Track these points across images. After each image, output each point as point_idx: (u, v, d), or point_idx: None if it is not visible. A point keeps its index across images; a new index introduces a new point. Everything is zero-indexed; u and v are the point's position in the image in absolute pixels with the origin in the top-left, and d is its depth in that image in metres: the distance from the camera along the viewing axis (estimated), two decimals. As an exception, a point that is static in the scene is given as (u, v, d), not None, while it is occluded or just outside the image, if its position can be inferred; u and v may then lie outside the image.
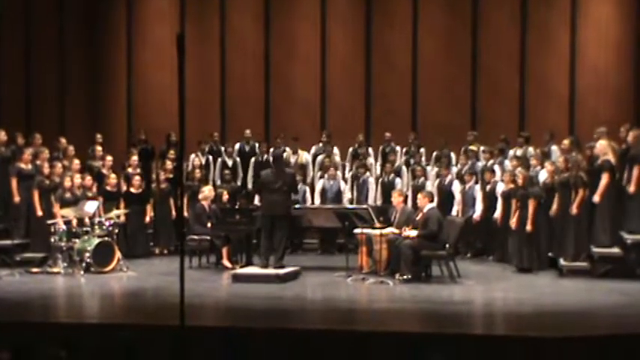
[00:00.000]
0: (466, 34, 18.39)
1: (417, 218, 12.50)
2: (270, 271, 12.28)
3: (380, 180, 16.01)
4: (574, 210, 12.59)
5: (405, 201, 13.64)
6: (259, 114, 19.07)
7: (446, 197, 15.00)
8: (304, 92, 18.91)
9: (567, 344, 8.01)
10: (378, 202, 15.53)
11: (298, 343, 8.23)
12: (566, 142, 14.48)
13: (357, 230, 12.88)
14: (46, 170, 14.28)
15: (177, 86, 4.92)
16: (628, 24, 17.63)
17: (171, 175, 15.82)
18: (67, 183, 14.06)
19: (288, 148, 16.68)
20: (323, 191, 15.86)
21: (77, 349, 7.35)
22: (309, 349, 8.14)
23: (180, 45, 4.83)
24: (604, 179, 12.47)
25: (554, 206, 13.11)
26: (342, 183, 15.96)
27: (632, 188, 12.41)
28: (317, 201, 15.76)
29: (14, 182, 14.37)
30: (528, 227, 13.02)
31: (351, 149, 17.09)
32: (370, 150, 17.25)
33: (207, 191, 14.46)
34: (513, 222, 13.43)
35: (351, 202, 15.51)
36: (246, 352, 8.24)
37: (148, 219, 15.40)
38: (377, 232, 12.47)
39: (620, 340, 8.16)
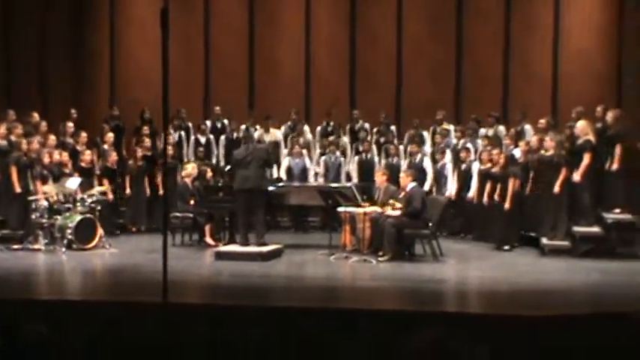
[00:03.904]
0: (451, 13, 18.36)
1: (400, 196, 12.52)
2: (253, 248, 12.29)
3: (356, 158, 15.97)
4: (556, 189, 12.66)
5: (389, 179, 13.60)
6: (243, 91, 19.00)
7: (417, 175, 14.93)
8: (289, 69, 18.84)
9: (548, 323, 8.05)
10: (354, 181, 15.49)
11: (281, 321, 8.23)
12: (542, 121, 14.59)
13: (340, 209, 12.89)
14: (24, 146, 14.14)
15: (160, 62, 4.88)
16: (612, 7, 17.61)
17: (149, 153, 15.77)
18: (46, 159, 13.97)
19: (258, 127, 16.62)
20: (289, 169, 15.85)
21: (59, 325, 7.32)
22: (292, 327, 8.14)
23: (164, 20, 4.80)
24: (586, 159, 12.56)
25: (529, 185, 13.24)
26: (307, 161, 15.94)
27: (615, 166, 12.53)
28: (284, 179, 15.66)
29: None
30: (507, 205, 13.12)
31: (319, 128, 17.05)
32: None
33: (190, 168, 14.44)
34: (487, 200, 13.56)
35: (325, 181, 15.47)
36: (230, 329, 8.23)
37: (127, 192, 15.46)
38: (360, 210, 12.49)
39: (600, 319, 8.20)
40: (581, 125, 12.98)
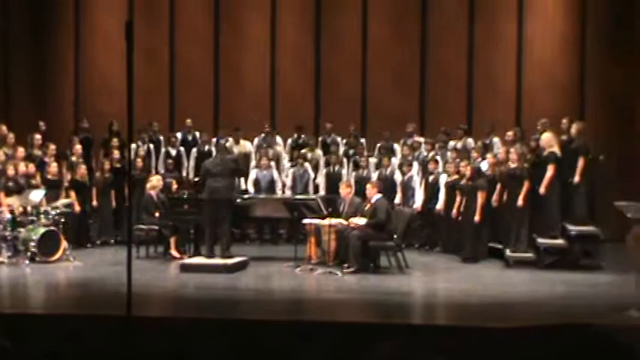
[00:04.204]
0: (416, 20, 18.36)
1: (366, 208, 12.54)
2: (219, 261, 12.25)
3: (325, 171, 15.99)
4: (520, 202, 12.73)
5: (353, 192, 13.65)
6: (208, 102, 18.94)
7: (388, 187, 14.94)
8: (254, 80, 18.81)
9: (513, 334, 8.09)
10: (321, 193, 15.50)
11: (246, 334, 8.21)
12: (509, 133, 14.70)
13: (305, 221, 12.89)
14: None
15: (125, 73, 4.86)
16: (574, 17, 17.75)
17: (118, 165, 15.68)
18: (11, 171, 13.85)
19: (230, 138, 16.57)
20: (256, 181, 15.82)
21: (22, 339, 7.25)
22: (256, 340, 8.12)
23: (128, 33, 4.78)
24: (550, 171, 12.65)
25: (496, 197, 13.31)
26: (275, 173, 15.92)
27: (576, 178, 12.62)
28: (251, 191, 15.62)
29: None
30: (476, 218, 13.17)
31: (290, 140, 17.05)
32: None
33: (155, 181, 14.38)
34: (455, 213, 13.63)
35: (293, 193, 15.47)
36: (194, 342, 8.20)
37: (94, 203, 15.31)
38: (325, 222, 12.49)
39: (565, 330, 8.25)
40: (545, 137, 13.07)
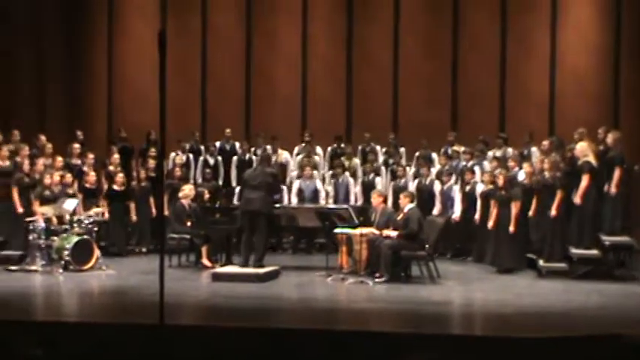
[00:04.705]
0: (447, 34, 18.42)
1: (398, 218, 12.51)
2: (250, 270, 12.26)
3: (360, 180, 16.03)
4: (553, 212, 12.63)
5: (385, 201, 13.63)
6: (240, 111, 19.04)
7: (426, 197, 15.02)
8: (285, 89, 18.88)
9: (546, 345, 8.03)
10: (359, 202, 15.55)
11: (277, 343, 8.21)
12: (545, 142, 14.59)
13: (337, 230, 12.88)
14: (27, 167, 14.19)
15: (157, 83, 4.88)
16: (607, 27, 17.68)
17: (153, 174, 15.79)
18: (47, 180, 14.00)
19: (268, 147, 16.63)
20: (300, 191, 15.85)
21: (54, 347, 7.30)
22: (287, 349, 8.12)
23: (161, 42, 4.79)
24: (585, 181, 12.51)
25: (533, 207, 13.18)
26: (318, 183, 15.95)
27: (613, 189, 12.49)
28: (294, 201, 15.74)
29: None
30: (511, 228, 13.09)
31: (329, 149, 17.08)
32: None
33: (187, 190, 14.42)
34: (491, 223, 13.52)
35: (335, 202, 15.49)
36: (225, 351, 8.21)
37: (134, 217, 15.39)
38: (357, 231, 12.48)
39: (598, 341, 8.18)
40: (580, 147, 12.94)
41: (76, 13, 19.40)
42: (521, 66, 18.06)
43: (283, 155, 16.82)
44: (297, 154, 16.98)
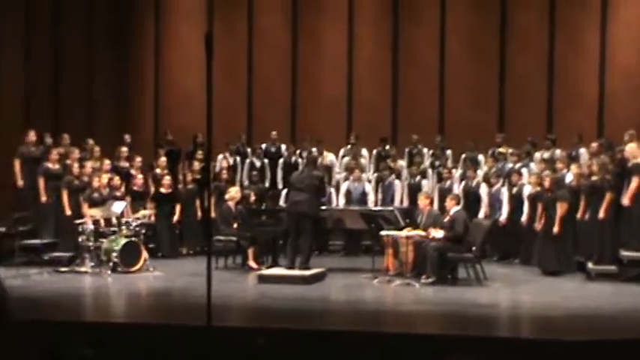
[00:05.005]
0: (493, 34, 18.29)
1: (445, 220, 12.47)
2: (296, 272, 12.30)
3: (407, 182, 16.00)
4: (601, 214, 12.50)
5: (432, 203, 13.59)
6: (285, 114, 19.09)
7: (472, 199, 14.96)
8: (330, 92, 18.89)
9: (593, 348, 7.95)
10: (405, 204, 15.52)
11: (323, 345, 8.22)
12: (594, 144, 14.43)
13: (383, 232, 12.87)
14: (76, 170, 14.39)
15: (204, 86, 4.91)
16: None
17: (198, 176, 15.90)
18: (96, 183, 14.17)
19: (314, 150, 16.67)
20: (348, 193, 15.86)
21: (104, 348, 7.38)
22: (333, 351, 8.12)
23: (208, 45, 4.81)
24: (635, 182, 12.37)
25: (581, 209, 13.05)
26: (367, 185, 15.94)
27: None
28: (342, 202, 15.76)
29: (42, 182, 14.53)
30: (555, 230, 12.98)
31: (375, 151, 17.07)
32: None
33: (233, 192, 14.50)
34: (539, 225, 13.42)
35: (375, 204, 15.49)
36: (271, 353, 8.24)
37: (176, 219, 15.48)
38: (403, 234, 12.45)
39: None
40: (631, 148, 12.79)
41: (124, 18, 19.64)
42: (570, 65, 17.85)
43: (329, 157, 16.85)
44: (343, 157, 16.99)
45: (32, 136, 15.32)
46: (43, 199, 14.54)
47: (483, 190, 15.17)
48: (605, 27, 17.68)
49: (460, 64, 18.38)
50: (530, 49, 18.04)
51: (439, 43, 18.57)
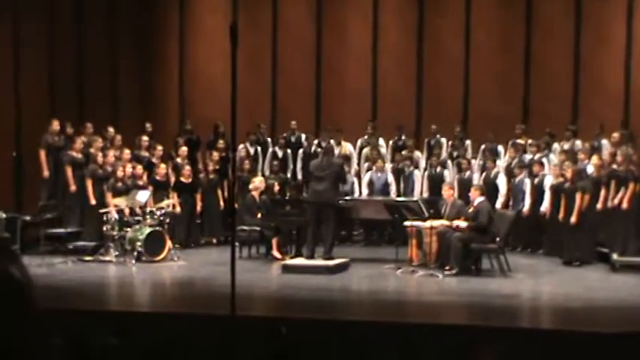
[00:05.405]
0: (519, 26, 18.16)
1: (469, 211, 12.45)
2: (320, 262, 12.33)
3: (427, 173, 15.96)
4: (624, 204, 12.44)
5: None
6: (310, 105, 19.06)
7: (491, 190, 14.87)
8: (355, 83, 18.83)
9: (615, 340, 7.91)
10: (424, 195, 15.48)
11: (346, 335, 8.24)
12: (615, 135, 14.35)
13: (407, 223, 12.86)
14: (100, 159, 14.47)
15: (228, 76, 4.91)
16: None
17: (217, 166, 15.93)
18: (120, 172, 14.24)
19: (332, 140, 16.65)
20: (370, 183, 15.85)
21: (128, 337, 7.43)
22: (357, 341, 8.14)
23: (233, 35, 4.82)
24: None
25: (601, 200, 13.01)
26: (389, 175, 15.92)
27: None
28: (364, 192, 15.76)
29: (69, 170, 14.62)
30: (573, 219, 12.95)
31: (391, 142, 17.04)
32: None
33: (257, 182, 14.54)
34: (561, 215, 13.38)
35: (398, 195, 15.47)
36: (295, 342, 8.27)
37: (198, 209, 15.52)
38: (427, 224, 12.45)
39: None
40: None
41: (148, 7, 19.66)
42: (596, 57, 17.69)
43: (347, 147, 16.83)
44: (361, 147, 16.95)
45: (55, 125, 15.40)
46: (72, 188, 14.63)
47: (501, 180, 15.11)
48: (632, 18, 17.51)
49: (486, 55, 18.28)
50: (556, 40, 17.91)
51: (464, 34, 18.47)
